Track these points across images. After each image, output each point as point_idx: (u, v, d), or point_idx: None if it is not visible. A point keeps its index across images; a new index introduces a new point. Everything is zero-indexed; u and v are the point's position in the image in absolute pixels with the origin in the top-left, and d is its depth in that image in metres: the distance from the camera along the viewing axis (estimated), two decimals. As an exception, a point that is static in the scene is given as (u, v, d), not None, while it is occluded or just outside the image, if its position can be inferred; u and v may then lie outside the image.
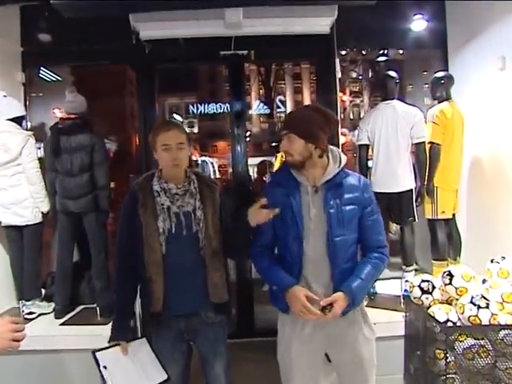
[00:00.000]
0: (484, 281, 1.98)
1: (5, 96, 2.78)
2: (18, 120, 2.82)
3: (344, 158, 1.53)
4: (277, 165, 4.22)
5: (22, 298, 2.87)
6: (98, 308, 2.75)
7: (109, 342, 1.54)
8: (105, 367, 1.43)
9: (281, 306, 1.53)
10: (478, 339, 1.96)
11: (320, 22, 3.02)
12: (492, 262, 1.92)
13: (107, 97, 3.71)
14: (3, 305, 2.92)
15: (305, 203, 1.49)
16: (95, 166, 2.72)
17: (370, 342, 1.58)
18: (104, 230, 2.85)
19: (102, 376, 1.41)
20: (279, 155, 3.94)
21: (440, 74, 2.97)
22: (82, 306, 2.99)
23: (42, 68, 3.56)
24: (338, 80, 3.25)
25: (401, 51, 3.82)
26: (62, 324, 2.71)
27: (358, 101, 15.48)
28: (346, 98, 9.40)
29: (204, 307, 1.57)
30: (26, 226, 2.80)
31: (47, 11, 2.97)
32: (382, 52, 3.55)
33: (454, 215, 3.01)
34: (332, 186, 1.49)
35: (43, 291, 2.98)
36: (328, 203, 1.47)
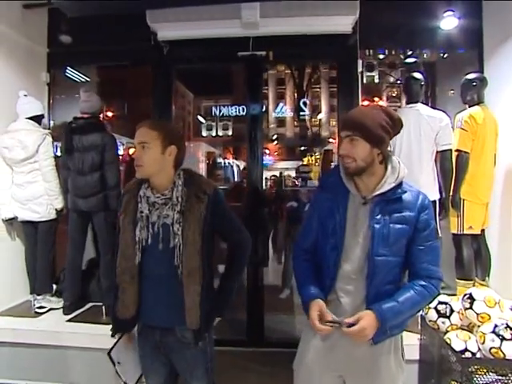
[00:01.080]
0: (513, 308, 1.77)
1: (25, 95, 2.86)
2: (37, 119, 2.90)
3: (404, 170, 1.35)
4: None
5: (33, 291, 2.94)
6: (103, 307, 2.76)
7: (112, 335, 1.54)
8: (119, 363, 1.50)
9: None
10: (503, 375, 1.74)
11: (341, 21, 2.88)
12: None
13: (130, 97, 3.73)
14: (18, 297, 3.00)
15: (350, 214, 1.35)
16: (106, 166, 2.73)
17: (395, 382, 1.39)
18: (113, 229, 2.84)
19: (117, 372, 1.50)
20: (306, 159, 3.85)
21: (471, 76, 2.72)
22: (90, 304, 3.01)
23: (66, 68, 3.67)
24: (360, 83, 3.07)
25: (440, 53, 3.57)
26: (69, 320, 2.74)
27: (395, 106, 14.98)
28: (383, 103, 9.07)
29: (179, 326, 1.45)
30: (41, 222, 2.87)
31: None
32: (411, 53, 3.32)
33: (483, 231, 2.75)
34: (383, 200, 1.32)
35: (54, 287, 3.03)
36: (374, 218, 1.31)
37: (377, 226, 1.30)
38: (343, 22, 2.86)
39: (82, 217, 2.81)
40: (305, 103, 10.73)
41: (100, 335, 2.43)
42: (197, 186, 1.46)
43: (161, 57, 3.19)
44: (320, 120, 16.18)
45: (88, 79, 3.93)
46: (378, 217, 1.30)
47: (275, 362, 2.57)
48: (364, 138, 1.29)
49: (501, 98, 2.76)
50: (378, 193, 1.31)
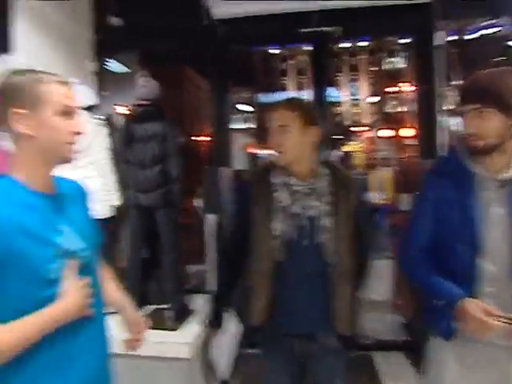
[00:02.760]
0: None
1: (77, 84, 2.65)
2: (90, 109, 2.69)
3: None
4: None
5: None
6: (168, 312, 2.56)
7: (208, 329, 1.49)
8: None
9: (443, 328, 1.15)
10: None
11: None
12: None
13: (176, 89, 3.49)
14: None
15: (482, 201, 1.10)
16: (167, 158, 2.51)
17: None
18: (176, 227, 2.63)
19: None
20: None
21: None
22: (151, 307, 2.81)
23: (112, 58, 3.46)
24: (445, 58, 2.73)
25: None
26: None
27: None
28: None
29: (324, 331, 1.27)
30: (98, 219, 2.66)
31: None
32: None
33: None
34: None
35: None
36: None
37: None
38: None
39: (143, 213, 2.59)
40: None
41: (163, 343, 2.27)
42: (340, 174, 1.29)
43: (214, 38, 2.93)
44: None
45: (130, 70, 3.73)
46: None
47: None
48: (499, 109, 1.05)
49: None
50: None
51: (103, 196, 2.64)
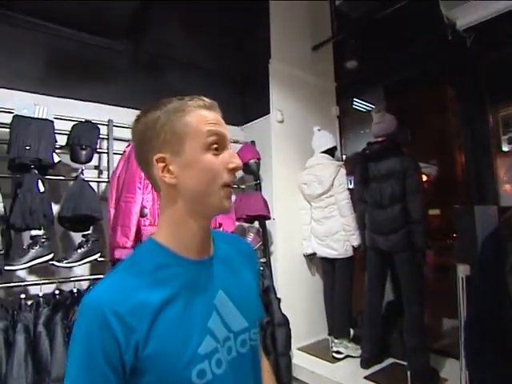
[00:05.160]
0: None
1: (319, 130, 2.86)
2: (331, 151, 2.83)
3: None
4: None
5: (331, 332, 2.78)
6: (408, 372, 2.21)
7: None
8: None
9: None
10: None
11: None
12: None
13: (424, 118, 3.20)
14: (317, 334, 2.93)
15: None
16: (408, 196, 2.26)
17: None
18: (420, 274, 2.30)
19: None
20: None
21: None
22: (392, 360, 2.54)
23: (353, 100, 3.56)
24: None
25: None
26: (367, 378, 2.34)
27: None
28: None
29: None
30: (338, 259, 2.70)
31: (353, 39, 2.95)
32: None
33: None
34: None
35: (352, 331, 2.76)
36: None
37: None
38: None
39: (382, 256, 2.41)
40: None
41: None
42: None
43: (462, 52, 2.48)
44: None
45: (372, 106, 3.72)
46: None
47: None
48: None
49: None
50: None
51: (343, 236, 2.66)
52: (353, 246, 2.64)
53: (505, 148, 2.55)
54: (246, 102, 3.13)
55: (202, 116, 0.69)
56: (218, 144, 0.70)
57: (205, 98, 0.72)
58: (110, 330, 0.59)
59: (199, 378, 0.64)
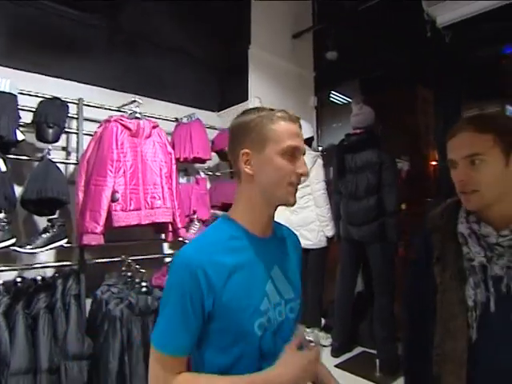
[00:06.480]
0: None
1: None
2: (307, 141, 2.81)
3: None
4: None
5: (302, 322, 2.80)
6: (377, 360, 2.27)
7: None
8: None
9: None
10: None
11: None
12: None
13: (398, 115, 3.25)
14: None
15: None
16: (384, 188, 2.29)
17: None
18: (391, 265, 2.35)
19: None
20: None
21: None
22: (361, 349, 2.60)
23: (331, 92, 3.57)
24: None
25: None
26: (338, 366, 2.38)
27: None
28: None
29: None
30: (311, 249, 2.71)
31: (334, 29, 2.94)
32: None
33: None
34: None
35: (323, 320, 2.80)
36: None
37: None
38: None
39: (355, 247, 2.45)
40: None
41: None
42: None
43: (440, 50, 2.53)
44: None
45: (349, 99, 3.75)
46: None
47: None
48: None
49: None
50: None
51: (318, 226, 2.67)
52: (327, 237, 2.66)
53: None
54: (223, 87, 3.05)
55: (284, 126, 0.85)
56: (293, 152, 0.85)
57: (290, 112, 0.88)
58: (198, 281, 0.76)
59: (259, 329, 0.81)
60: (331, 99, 3.65)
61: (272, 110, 0.87)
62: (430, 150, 3.11)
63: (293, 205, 0.87)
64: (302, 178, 0.87)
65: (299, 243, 1.07)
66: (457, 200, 0.96)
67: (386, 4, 2.50)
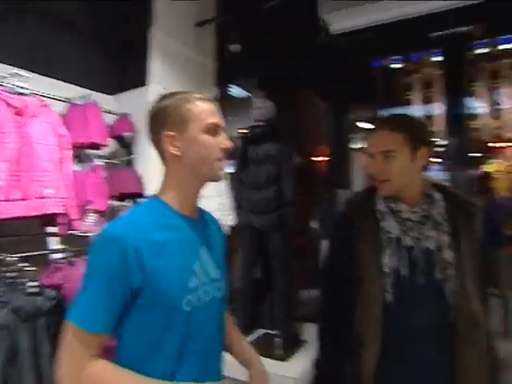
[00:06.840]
0: None
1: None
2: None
3: None
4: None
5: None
6: (277, 339, 2.44)
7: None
8: None
9: None
10: None
11: None
12: None
13: (294, 110, 3.47)
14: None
15: None
16: (282, 179, 2.45)
17: None
18: (288, 250, 2.53)
19: None
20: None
21: None
22: (262, 331, 2.75)
23: (229, 85, 3.63)
24: None
25: None
26: (240, 348, 2.48)
27: None
28: None
29: None
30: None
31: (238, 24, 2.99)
32: None
33: None
34: None
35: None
36: None
37: None
38: None
39: (256, 235, 2.57)
40: None
41: (277, 376, 2.12)
42: (457, 197, 1.09)
43: (332, 55, 2.81)
44: None
45: (250, 95, 3.87)
46: None
47: None
48: None
49: None
50: None
51: (218, 216, 2.70)
52: (228, 226, 2.71)
53: (354, 145, 3.05)
54: (121, 69, 2.83)
55: (202, 106, 0.90)
56: (215, 129, 0.89)
57: (205, 94, 0.94)
58: (127, 258, 0.77)
59: (187, 305, 0.82)
60: (229, 92, 3.72)
61: (187, 92, 0.92)
62: (319, 146, 3.42)
63: (220, 179, 0.92)
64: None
65: (219, 224, 1.14)
66: (371, 187, 1.14)
67: (288, 6, 2.65)
